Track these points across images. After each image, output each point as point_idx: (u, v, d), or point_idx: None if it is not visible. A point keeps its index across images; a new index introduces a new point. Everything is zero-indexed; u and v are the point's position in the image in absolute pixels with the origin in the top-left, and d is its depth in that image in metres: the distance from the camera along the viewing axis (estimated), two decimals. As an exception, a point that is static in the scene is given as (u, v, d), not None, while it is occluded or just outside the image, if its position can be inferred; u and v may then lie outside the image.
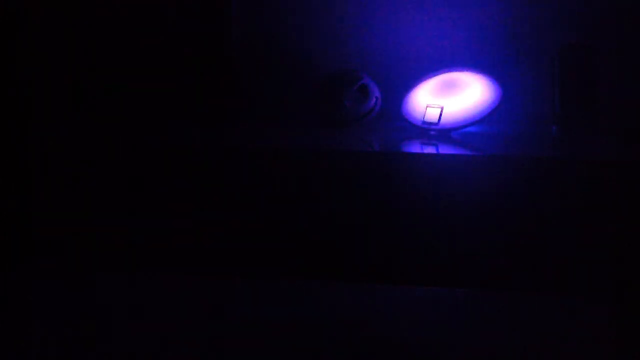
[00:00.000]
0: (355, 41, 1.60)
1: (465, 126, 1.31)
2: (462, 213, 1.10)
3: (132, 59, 1.66)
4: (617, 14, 1.48)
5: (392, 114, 1.45)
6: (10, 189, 1.23)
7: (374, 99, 1.43)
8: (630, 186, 1.07)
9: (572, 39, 1.48)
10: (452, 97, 1.33)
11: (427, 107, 1.33)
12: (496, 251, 1.10)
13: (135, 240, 1.19)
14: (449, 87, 1.34)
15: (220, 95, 1.59)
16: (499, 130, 1.41)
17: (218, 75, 1.59)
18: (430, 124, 1.32)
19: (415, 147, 1.26)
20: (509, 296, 1.09)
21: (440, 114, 1.31)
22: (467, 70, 1.35)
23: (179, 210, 1.18)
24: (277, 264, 1.15)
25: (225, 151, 1.18)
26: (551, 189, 1.09)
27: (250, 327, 1.01)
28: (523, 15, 1.53)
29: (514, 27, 1.53)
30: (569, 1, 1.51)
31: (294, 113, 1.60)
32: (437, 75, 1.37)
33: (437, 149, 1.22)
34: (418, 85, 1.38)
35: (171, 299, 1.10)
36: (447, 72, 1.36)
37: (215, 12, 1.61)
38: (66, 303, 1.09)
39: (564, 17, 1.51)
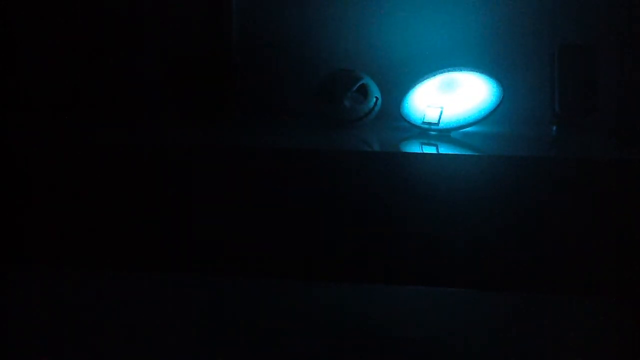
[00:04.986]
0: (355, 41, 1.60)
1: (465, 126, 1.31)
2: (462, 213, 1.10)
3: (131, 59, 1.66)
4: (617, 14, 1.48)
5: (392, 114, 1.45)
6: (8, 189, 1.23)
7: (374, 99, 1.43)
8: (630, 186, 1.07)
9: (572, 39, 1.48)
10: (452, 97, 1.33)
11: (427, 107, 1.33)
12: (496, 251, 1.10)
13: (135, 241, 1.19)
14: (449, 87, 1.34)
15: (220, 95, 1.59)
16: (499, 130, 1.41)
17: (218, 75, 1.59)
18: (430, 124, 1.32)
19: (415, 147, 1.26)
20: (509, 296, 1.09)
21: (440, 114, 1.31)
22: (467, 70, 1.35)
23: (178, 210, 1.18)
24: (276, 263, 1.15)
25: (225, 151, 1.18)
26: (551, 189, 1.09)
27: (249, 327, 1.00)
28: (523, 15, 1.53)
29: (514, 27, 1.53)
30: (569, 1, 1.51)
31: (294, 113, 1.60)
32: (437, 75, 1.36)
33: (437, 149, 1.22)
34: (418, 85, 1.38)
35: (170, 298, 1.10)
36: (447, 72, 1.36)
37: (215, 11, 1.61)
38: (65, 303, 1.09)
39: (564, 17, 1.51)
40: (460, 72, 1.35)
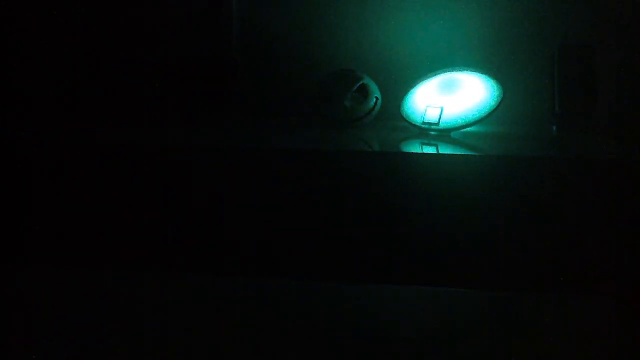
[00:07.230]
0: (356, 41, 1.60)
1: (465, 126, 1.31)
2: (462, 213, 1.10)
3: (132, 59, 1.66)
4: (617, 14, 1.48)
5: (392, 114, 1.45)
6: (7, 190, 1.23)
7: (374, 99, 1.43)
8: (630, 186, 1.07)
9: (572, 38, 1.48)
10: (452, 97, 1.33)
11: (427, 107, 1.33)
12: (496, 251, 1.10)
13: (134, 240, 1.19)
14: (449, 87, 1.34)
15: (220, 95, 1.59)
16: (499, 130, 1.41)
17: (218, 75, 1.59)
18: (430, 124, 1.32)
19: (415, 147, 1.26)
20: (509, 296, 1.09)
21: (440, 114, 1.31)
22: (467, 70, 1.35)
23: (178, 210, 1.18)
24: (277, 263, 1.15)
25: (225, 151, 1.18)
26: (551, 188, 1.09)
27: (249, 327, 1.01)
28: (523, 15, 1.53)
29: (514, 27, 1.53)
30: (569, 1, 1.51)
31: (294, 113, 1.60)
32: (437, 75, 1.36)
33: (437, 149, 1.22)
34: (418, 85, 1.38)
35: (171, 299, 1.10)
36: (447, 72, 1.36)
37: (215, 11, 1.61)
38: (65, 303, 1.09)
39: (564, 17, 1.51)
40: (460, 72, 1.35)
